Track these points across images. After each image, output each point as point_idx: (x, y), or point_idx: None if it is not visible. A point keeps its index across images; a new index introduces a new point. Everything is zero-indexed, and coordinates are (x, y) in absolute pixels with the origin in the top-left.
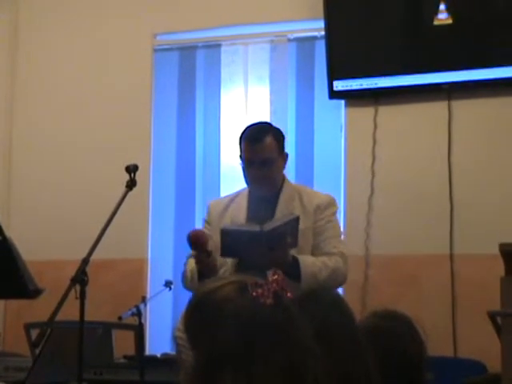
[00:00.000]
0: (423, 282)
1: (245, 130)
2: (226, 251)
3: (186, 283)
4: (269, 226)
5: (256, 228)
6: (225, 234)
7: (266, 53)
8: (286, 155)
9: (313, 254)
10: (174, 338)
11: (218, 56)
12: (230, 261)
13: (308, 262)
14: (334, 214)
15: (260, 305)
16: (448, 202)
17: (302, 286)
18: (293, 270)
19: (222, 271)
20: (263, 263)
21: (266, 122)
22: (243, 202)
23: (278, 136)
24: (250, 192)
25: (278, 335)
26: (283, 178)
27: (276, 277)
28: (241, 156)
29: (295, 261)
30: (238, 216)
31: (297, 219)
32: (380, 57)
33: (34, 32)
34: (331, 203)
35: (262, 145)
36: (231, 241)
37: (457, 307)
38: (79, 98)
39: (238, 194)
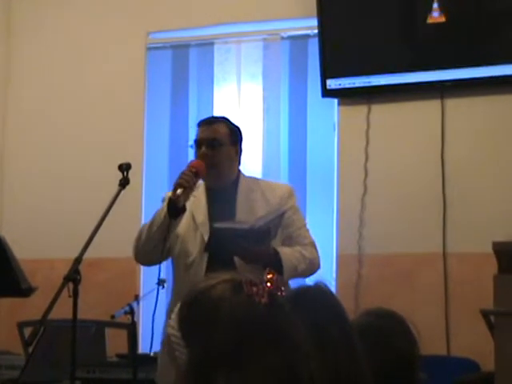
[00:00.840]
0: (416, 280)
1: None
2: (211, 246)
3: (141, 237)
4: (259, 222)
5: (246, 225)
6: (217, 232)
7: (258, 51)
8: (240, 150)
9: (284, 244)
10: (167, 336)
11: (211, 54)
12: (196, 251)
13: (288, 255)
14: (295, 202)
15: (255, 304)
16: (441, 201)
17: (283, 278)
18: (274, 262)
19: (190, 259)
20: (246, 257)
21: (222, 116)
22: (201, 196)
23: (232, 128)
24: (206, 185)
25: (274, 335)
26: (238, 172)
27: (271, 276)
28: (191, 143)
29: (276, 253)
30: (198, 210)
31: (282, 215)
32: (373, 55)
33: (26, 31)
34: (292, 192)
35: (211, 126)
36: (220, 237)
37: (450, 306)
38: (72, 96)
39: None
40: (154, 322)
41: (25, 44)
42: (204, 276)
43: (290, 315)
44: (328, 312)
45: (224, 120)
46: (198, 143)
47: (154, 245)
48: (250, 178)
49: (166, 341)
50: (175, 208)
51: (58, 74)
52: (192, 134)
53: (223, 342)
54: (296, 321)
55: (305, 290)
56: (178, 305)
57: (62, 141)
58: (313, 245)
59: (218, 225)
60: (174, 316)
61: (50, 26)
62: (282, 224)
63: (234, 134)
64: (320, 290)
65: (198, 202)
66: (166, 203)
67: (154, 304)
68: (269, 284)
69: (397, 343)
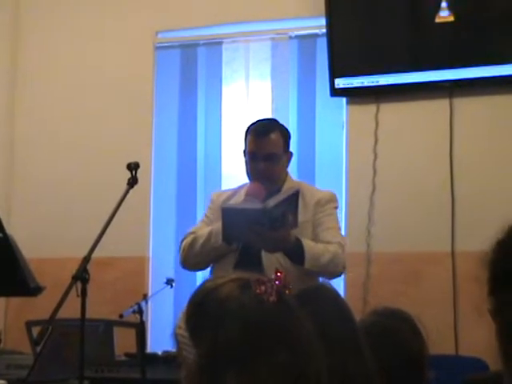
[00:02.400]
0: (424, 279)
1: (251, 125)
2: (227, 233)
3: (194, 248)
4: (271, 202)
5: (258, 205)
6: (225, 212)
7: (267, 50)
8: (291, 154)
9: None
10: (175, 336)
11: (220, 53)
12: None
13: (311, 244)
14: (335, 208)
15: (263, 302)
16: (450, 199)
17: (304, 268)
18: (295, 251)
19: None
20: (266, 245)
21: (273, 119)
22: (242, 198)
23: (285, 133)
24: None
25: (283, 333)
26: (286, 175)
27: (279, 274)
28: (245, 151)
29: (298, 242)
30: None
31: (297, 193)
32: (381, 54)
33: (34, 31)
34: (332, 199)
35: (267, 139)
36: (232, 221)
37: (458, 305)
38: (80, 96)
39: (240, 189)
40: (162, 322)
41: (32, 44)
42: (232, 270)
43: (298, 314)
44: (334, 312)
45: (277, 126)
46: (253, 156)
47: (208, 259)
48: (297, 181)
49: (175, 341)
50: None
51: (66, 75)
52: (201, 133)
53: (231, 342)
54: (304, 320)
55: (309, 290)
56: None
57: (71, 141)
58: (340, 245)
59: (226, 205)
60: (181, 316)
61: (56, 26)
62: (311, 226)
63: (287, 141)
64: (325, 289)
65: (239, 202)
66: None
67: (162, 303)
68: (277, 282)
69: (405, 343)
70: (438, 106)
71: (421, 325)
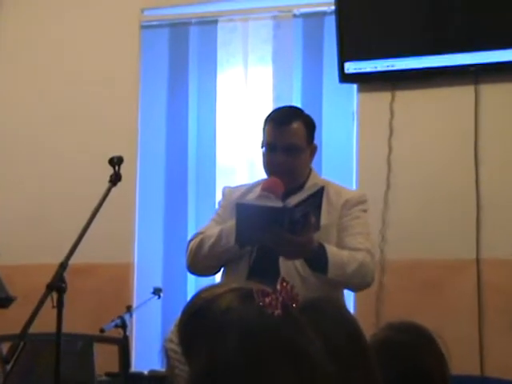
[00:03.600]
0: (446, 290)
1: (272, 112)
2: (240, 233)
3: (202, 250)
4: (292, 200)
5: (278, 203)
6: (240, 209)
7: (268, 30)
8: (315, 147)
9: None
10: (165, 351)
11: (214, 34)
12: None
13: (335, 251)
14: (364, 211)
15: (268, 316)
16: (474, 200)
17: (328, 277)
18: (318, 258)
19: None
20: (284, 250)
21: (296, 107)
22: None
23: (309, 123)
24: None
25: (289, 350)
26: (310, 171)
27: (284, 284)
28: (262, 143)
29: (320, 248)
30: None
31: (321, 191)
32: (397, 35)
33: (15, 7)
34: (362, 200)
35: (289, 128)
36: (247, 220)
37: (484, 319)
38: (58, 81)
39: (256, 185)
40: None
41: (12, 21)
42: (245, 278)
43: (305, 329)
44: (340, 327)
45: (300, 115)
46: (272, 147)
47: (218, 263)
48: (322, 179)
49: (164, 357)
50: None
51: (45, 56)
52: (192, 125)
53: (231, 359)
54: (312, 336)
55: (312, 303)
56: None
57: (47, 131)
58: (368, 251)
59: (242, 201)
60: (173, 328)
61: (35, 5)
62: (336, 230)
63: (311, 133)
64: (329, 302)
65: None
66: (234, 227)
67: (148, 316)
68: (283, 294)
69: (423, 361)
70: (461, 94)
71: (441, 341)
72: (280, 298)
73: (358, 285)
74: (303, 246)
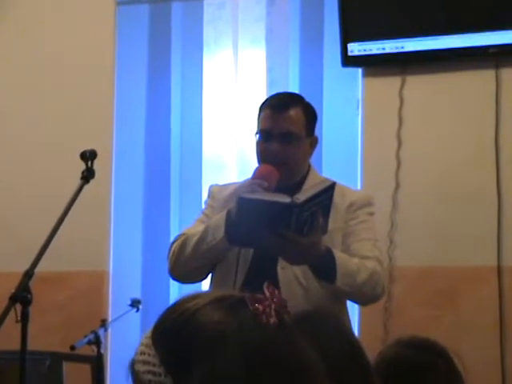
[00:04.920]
0: (462, 301)
1: (268, 98)
2: (236, 232)
3: (185, 250)
4: (301, 196)
5: (285, 199)
6: (242, 203)
7: (261, 7)
8: (316, 140)
9: None
10: (134, 364)
11: (200, 11)
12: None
13: (344, 257)
14: (371, 214)
15: (262, 325)
16: (495, 200)
17: (335, 287)
18: (326, 265)
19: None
20: (289, 253)
21: (296, 94)
22: None
23: (310, 112)
24: None
25: (288, 363)
26: (309, 167)
27: (272, 290)
28: (256, 132)
29: (329, 253)
30: None
31: (332, 188)
32: (408, 13)
33: None
34: (368, 202)
35: (286, 114)
36: (248, 216)
37: (506, 334)
38: (23, 64)
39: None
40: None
41: None
42: (241, 284)
43: (302, 339)
44: (336, 341)
45: (300, 101)
46: (267, 134)
47: (202, 264)
48: (323, 178)
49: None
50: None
51: (12, 37)
52: (175, 114)
53: (232, 372)
54: (309, 348)
55: (305, 315)
56: (148, 333)
57: (9, 120)
58: (378, 260)
59: (245, 195)
60: (145, 349)
61: None
62: (342, 235)
63: (312, 121)
64: (324, 314)
65: None
66: (223, 219)
67: (125, 331)
68: (276, 300)
69: (437, 382)
70: (480, 79)
71: (457, 359)
72: (273, 305)
73: (368, 297)
74: (311, 249)
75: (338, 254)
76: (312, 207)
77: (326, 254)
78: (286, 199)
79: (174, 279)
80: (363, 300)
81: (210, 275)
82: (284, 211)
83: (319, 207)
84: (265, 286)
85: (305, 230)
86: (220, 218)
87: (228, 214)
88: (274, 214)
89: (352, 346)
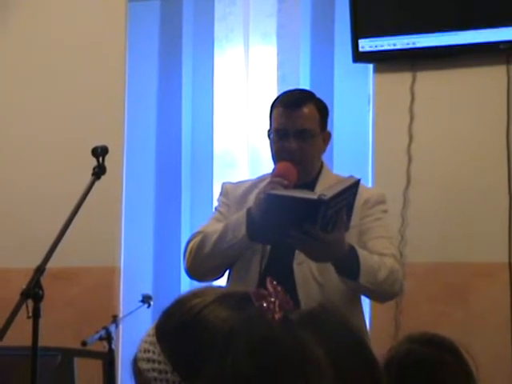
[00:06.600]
0: (474, 298)
1: (280, 96)
2: (257, 230)
3: (204, 249)
4: (328, 193)
5: (311, 195)
6: (270, 200)
7: (272, 3)
8: (329, 135)
9: None
10: (137, 365)
11: (211, 7)
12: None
13: (366, 255)
14: (385, 212)
15: (268, 321)
16: (506, 196)
17: (357, 284)
18: (349, 262)
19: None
20: (314, 250)
21: (307, 90)
22: None
23: (322, 108)
24: None
25: (296, 359)
26: (321, 164)
27: (275, 285)
28: (269, 130)
29: (352, 250)
30: None
31: (357, 185)
32: (419, 9)
33: None
34: (382, 200)
35: (300, 112)
36: (274, 213)
37: None
38: (34, 60)
39: (261, 180)
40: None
41: None
42: (257, 282)
43: (307, 335)
44: (341, 336)
45: (312, 98)
46: (282, 132)
47: (221, 263)
48: (336, 175)
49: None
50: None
51: (24, 32)
52: (186, 110)
53: (236, 372)
54: (314, 343)
55: (309, 311)
56: (151, 331)
57: (21, 116)
58: (395, 257)
59: (272, 191)
60: (149, 346)
61: None
62: (357, 232)
63: (324, 117)
64: (328, 311)
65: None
66: (243, 218)
67: (136, 327)
68: (280, 295)
69: (447, 378)
70: (491, 75)
71: (468, 356)
72: (277, 302)
73: (387, 294)
74: (335, 246)
75: (361, 252)
76: (337, 204)
77: (349, 251)
78: (313, 196)
79: (192, 278)
80: (382, 297)
81: (226, 273)
82: (311, 208)
83: (344, 204)
84: (268, 281)
85: (329, 227)
86: (240, 216)
87: (248, 212)
88: (301, 211)
89: (357, 341)
